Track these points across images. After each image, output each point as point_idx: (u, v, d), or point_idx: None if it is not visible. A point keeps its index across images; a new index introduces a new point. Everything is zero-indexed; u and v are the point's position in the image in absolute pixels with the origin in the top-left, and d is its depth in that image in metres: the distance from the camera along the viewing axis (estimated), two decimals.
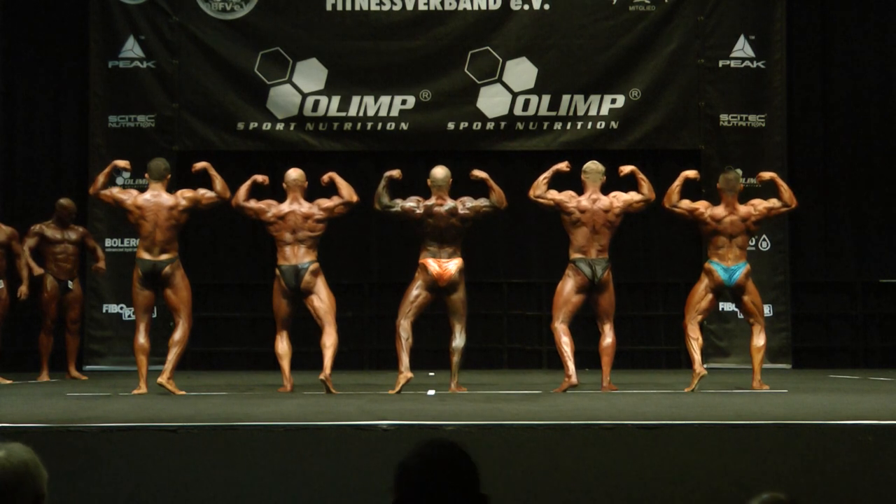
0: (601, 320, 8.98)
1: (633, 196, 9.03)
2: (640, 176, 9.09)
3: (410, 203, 8.89)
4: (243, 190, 9.06)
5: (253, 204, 9.02)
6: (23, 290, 10.65)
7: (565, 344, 8.79)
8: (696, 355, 8.89)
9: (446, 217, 8.82)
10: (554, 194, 9.02)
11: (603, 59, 13.00)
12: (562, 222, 9.03)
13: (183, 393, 8.56)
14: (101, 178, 9.06)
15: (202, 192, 8.97)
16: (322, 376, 8.51)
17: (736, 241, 9.02)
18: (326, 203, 8.99)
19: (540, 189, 9.05)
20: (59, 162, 13.27)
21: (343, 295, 11.55)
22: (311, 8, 13.06)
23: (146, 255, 8.78)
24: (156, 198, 8.84)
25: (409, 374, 8.53)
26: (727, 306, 12.04)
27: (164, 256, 8.77)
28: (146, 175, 9.10)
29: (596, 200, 8.94)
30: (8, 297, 10.63)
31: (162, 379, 8.52)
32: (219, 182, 8.98)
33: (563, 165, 9.18)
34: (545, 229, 12.12)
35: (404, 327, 8.77)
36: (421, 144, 12.96)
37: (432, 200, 8.87)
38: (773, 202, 9.14)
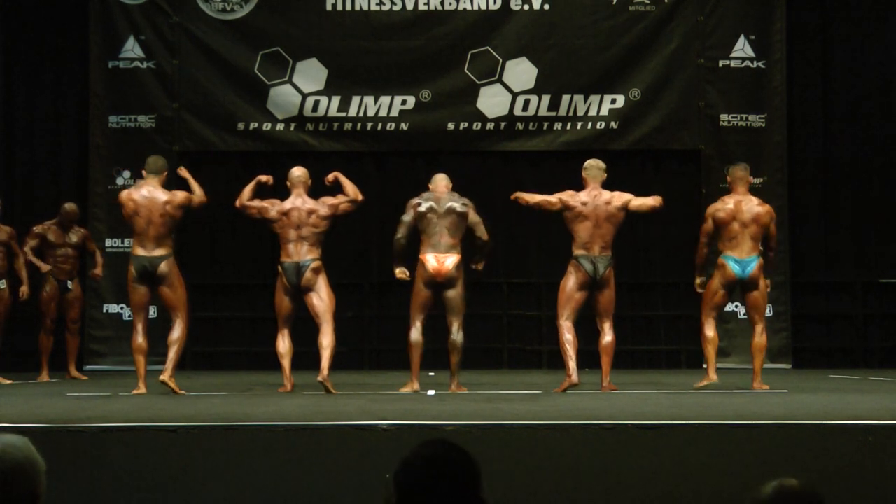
0: (601, 318, 8.95)
1: (632, 200, 8.98)
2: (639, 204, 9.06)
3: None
4: (247, 191, 9.07)
5: (256, 203, 9.03)
6: (24, 290, 10.69)
7: (568, 342, 8.78)
8: (711, 360, 8.99)
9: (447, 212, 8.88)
10: (555, 195, 8.99)
11: (603, 59, 12.99)
12: (564, 220, 8.99)
13: (183, 392, 8.58)
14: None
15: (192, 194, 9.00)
16: (320, 378, 8.53)
17: (749, 230, 9.01)
18: (332, 200, 9.02)
19: (538, 197, 9.03)
20: (59, 162, 13.27)
21: (343, 295, 11.54)
22: (311, 8, 13.05)
23: (140, 252, 8.77)
24: (150, 193, 8.83)
25: (417, 387, 8.62)
26: (728, 306, 12.04)
27: (158, 252, 8.75)
28: (143, 171, 9.08)
29: (597, 196, 8.94)
30: (10, 296, 10.64)
31: (164, 377, 8.51)
32: (197, 189, 8.99)
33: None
34: (545, 229, 12.11)
35: (414, 334, 8.79)
36: (421, 145, 12.96)
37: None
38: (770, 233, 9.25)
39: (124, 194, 8.92)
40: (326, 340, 8.79)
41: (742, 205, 9.05)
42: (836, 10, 13.43)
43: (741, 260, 8.98)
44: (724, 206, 9.11)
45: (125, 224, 9.05)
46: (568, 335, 8.81)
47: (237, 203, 9.09)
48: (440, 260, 8.76)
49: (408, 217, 8.93)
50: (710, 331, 9.05)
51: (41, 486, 2.60)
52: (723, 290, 9.07)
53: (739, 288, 9.16)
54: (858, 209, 13.27)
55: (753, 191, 10.75)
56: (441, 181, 9.03)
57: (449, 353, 8.81)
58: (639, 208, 9.01)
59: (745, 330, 10.63)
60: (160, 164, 9.01)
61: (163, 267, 8.74)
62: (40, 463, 2.62)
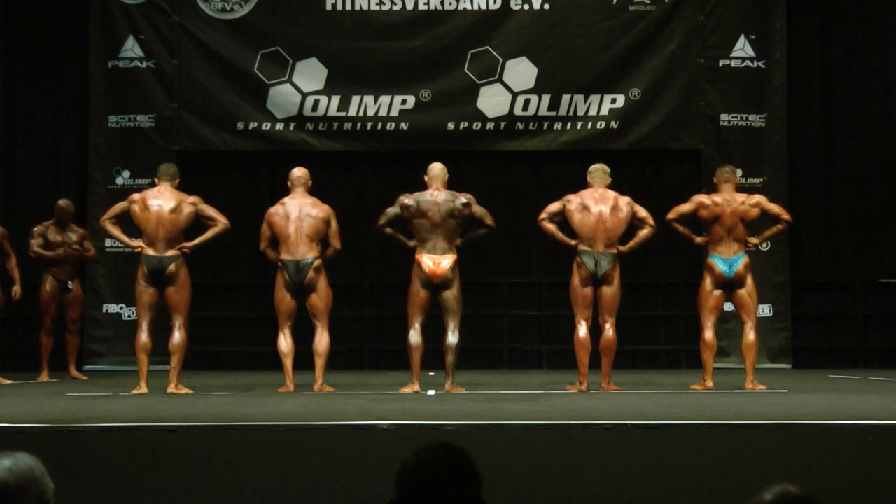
0: (602, 316, 8.88)
1: (640, 210, 8.92)
2: (640, 217, 8.97)
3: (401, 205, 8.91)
4: (266, 240, 9.06)
5: (268, 242, 9.03)
6: (16, 289, 10.65)
7: (579, 345, 8.79)
8: (708, 366, 8.98)
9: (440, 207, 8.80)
10: (560, 202, 8.93)
11: (603, 59, 12.99)
12: (568, 217, 8.94)
13: (191, 391, 8.64)
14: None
15: (210, 215, 8.97)
16: (316, 388, 8.65)
17: (733, 233, 9.02)
18: (333, 225, 8.98)
19: (544, 213, 8.95)
20: (59, 162, 13.27)
21: (343, 295, 11.55)
22: (311, 8, 13.06)
23: (151, 252, 8.80)
24: (161, 195, 8.89)
25: (417, 387, 8.60)
26: (727, 306, 12.04)
27: (169, 253, 8.80)
28: (156, 179, 9.12)
29: (603, 193, 8.89)
30: (3, 297, 10.61)
31: (171, 388, 8.64)
32: (215, 228, 8.99)
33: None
34: None
35: (413, 336, 8.76)
36: (421, 144, 12.95)
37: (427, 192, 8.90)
38: (770, 210, 9.18)
39: (136, 196, 9.01)
40: (322, 346, 8.87)
41: (727, 205, 9.03)
42: (836, 10, 13.44)
43: (727, 259, 8.99)
44: (712, 199, 9.10)
45: (130, 225, 9.05)
46: (581, 335, 8.80)
47: (261, 248, 9.10)
48: (436, 261, 8.74)
49: (393, 209, 8.92)
50: (708, 335, 9.05)
51: (49, 497, 2.64)
52: (716, 290, 9.07)
53: (729, 287, 9.14)
54: (858, 209, 13.27)
55: (752, 191, 10.74)
56: (437, 177, 8.93)
57: (444, 353, 8.79)
58: (639, 214, 8.92)
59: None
60: (172, 171, 9.10)
61: (172, 268, 8.77)
62: (49, 479, 2.65)
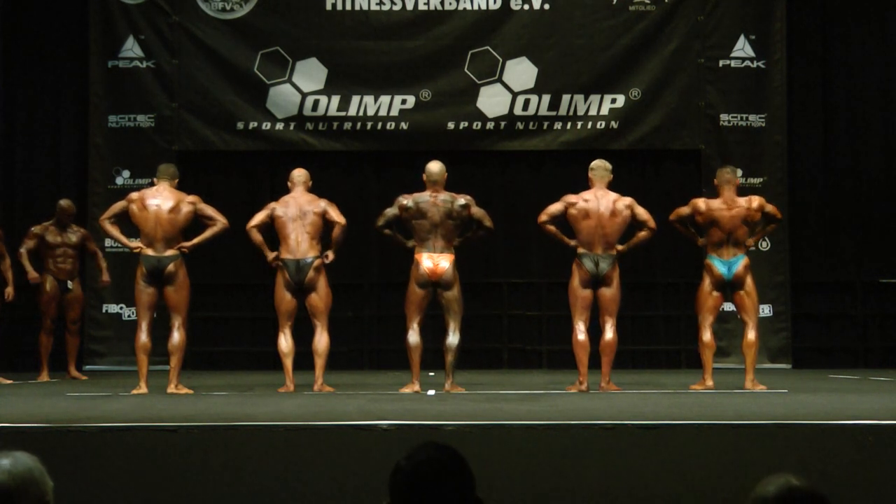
0: (602, 317, 8.88)
1: (638, 209, 8.90)
2: (640, 220, 8.95)
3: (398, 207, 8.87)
4: (257, 219, 9.03)
5: (258, 222, 8.97)
6: (9, 291, 10.59)
7: (578, 345, 8.78)
8: (708, 366, 8.97)
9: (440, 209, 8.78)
10: (560, 202, 8.92)
11: (603, 58, 13.00)
12: (568, 219, 8.93)
13: (191, 391, 8.63)
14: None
15: (209, 214, 8.93)
16: (316, 388, 8.64)
17: (733, 236, 9.02)
18: (331, 212, 8.93)
19: (545, 215, 8.93)
20: (59, 162, 13.26)
21: (343, 295, 11.55)
22: (310, 8, 13.06)
23: (150, 252, 8.79)
24: (159, 194, 8.87)
25: (417, 387, 8.59)
26: (727, 306, 12.04)
27: (168, 253, 8.79)
28: (155, 179, 9.10)
29: (602, 195, 8.88)
30: None
31: (171, 388, 8.63)
32: (213, 228, 8.95)
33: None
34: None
35: (411, 336, 8.74)
36: (421, 144, 12.94)
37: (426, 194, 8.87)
38: (769, 210, 9.17)
39: (134, 195, 8.97)
40: (322, 345, 8.86)
41: (725, 210, 9.01)
42: (836, 10, 13.44)
43: (725, 260, 8.99)
44: (709, 206, 9.07)
45: (128, 224, 9.03)
46: (580, 337, 8.79)
47: (247, 226, 9.04)
48: (435, 261, 8.74)
49: (391, 210, 8.90)
50: (706, 336, 9.05)
51: (49, 497, 2.64)
52: (715, 291, 9.06)
53: (728, 289, 9.14)
54: (858, 209, 13.27)
55: (752, 191, 10.74)
56: (436, 178, 8.91)
57: (444, 353, 8.78)
58: (639, 217, 8.90)
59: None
60: (171, 171, 9.09)
61: (171, 267, 8.76)
62: (49, 478, 2.65)
